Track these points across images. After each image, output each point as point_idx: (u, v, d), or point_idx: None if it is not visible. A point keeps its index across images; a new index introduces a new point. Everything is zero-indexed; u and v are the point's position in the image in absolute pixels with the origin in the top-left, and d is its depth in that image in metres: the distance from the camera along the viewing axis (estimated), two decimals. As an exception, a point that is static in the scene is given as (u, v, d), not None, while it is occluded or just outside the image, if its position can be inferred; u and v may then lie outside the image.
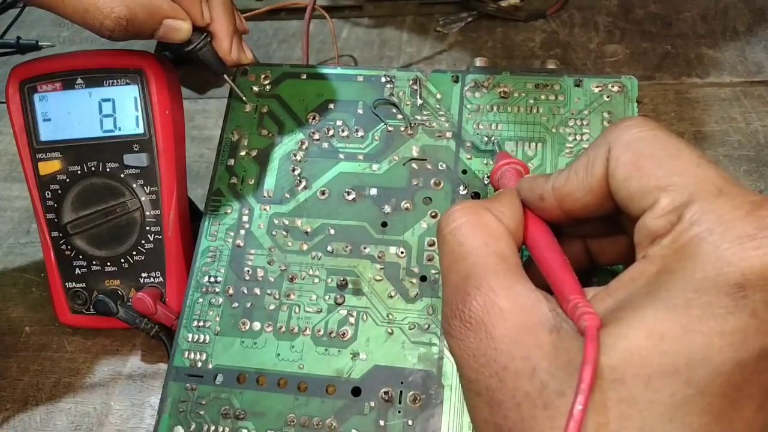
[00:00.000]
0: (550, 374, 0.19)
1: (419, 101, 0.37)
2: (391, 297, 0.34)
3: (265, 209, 0.36)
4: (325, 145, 0.37)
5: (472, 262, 0.22)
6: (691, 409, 0.17)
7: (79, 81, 0.37)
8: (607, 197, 0.22)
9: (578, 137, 0.35)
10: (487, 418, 0.20)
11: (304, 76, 0.39)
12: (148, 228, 0.37)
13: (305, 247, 0.35)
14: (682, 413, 0.17)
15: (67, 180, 0.37)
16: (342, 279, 0.34)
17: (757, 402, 0.17)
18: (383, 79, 0.38)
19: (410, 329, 0.33)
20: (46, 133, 0.37)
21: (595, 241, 0.27)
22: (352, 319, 0.34)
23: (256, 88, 0.39)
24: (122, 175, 0.37)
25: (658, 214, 0.19)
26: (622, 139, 0.21)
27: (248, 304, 0.35)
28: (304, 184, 0.36)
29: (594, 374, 0.17)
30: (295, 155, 0.37)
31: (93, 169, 0.37)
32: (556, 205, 0.24)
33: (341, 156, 0.37)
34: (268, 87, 0.39)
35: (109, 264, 0.37)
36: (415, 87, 0.37)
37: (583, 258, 0.27)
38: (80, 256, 0.38)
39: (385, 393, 0.32)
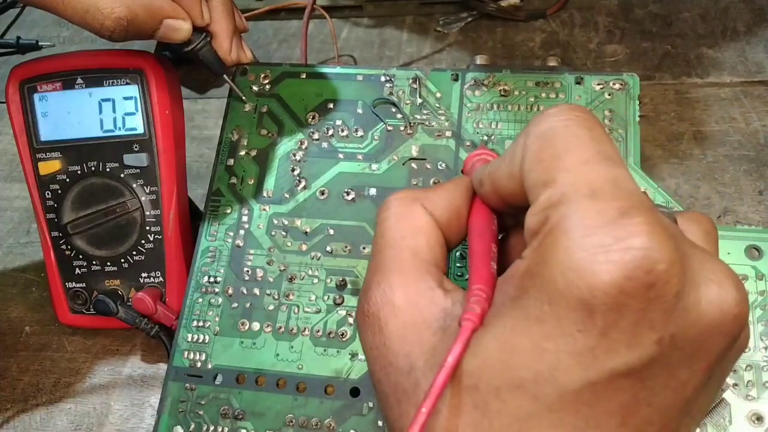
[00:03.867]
0: (422, 373, 0.19)
1: (419, 100, 0.37)
2: (390, 297, 0.34)
3: (264, 209, 0.36)
4: (325, 144, 0.37)
5: (385, 255, 0.22)
6: (539, 422, 0.17)
7: (79, 81, 0.37)
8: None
9: (578, 137, 0.35)
10: (382, 409, 0.21)
11: (304, 76, 0.39)
12: (148, 228, 0.37)
13: (304, 247, 0.35)
14: (530, 426, 0.17)
15: (67, 180, 0.37)
16: (341, 279, 0.34)
17: (617, 419, 0.17)
18: (383, 79, 0.38)
19: (410, 329, 0.33)
20: (46, 133, 0.37)
21: None
22: (351, 320, 0.34)
23: (255, 88, 0.39)
24: (122, 175, 0.37)
25: (534, 210, 0.18)
26: (537, 128, 0.20)
27: (247, 305, 0.35)
28: (303, 184, 0.36)
29: (447, 379, 0.18)
30: (294, 155, 0.37)
31: (93, 169, 0.37)
32: (492, 191, 0.23)
33: (341, 156, 0.37)
34: (267, 86, 0.39)
35: (109, 264, 0.37)
36: (415, 86, 0.37)
37: None
38: (80, 256, 0.38)
39: (385, 393, 0.32)
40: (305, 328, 0.34)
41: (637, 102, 0.35)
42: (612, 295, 0.16)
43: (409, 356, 0.20)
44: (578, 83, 0.36)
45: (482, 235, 0.23)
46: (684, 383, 0.17)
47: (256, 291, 0.35)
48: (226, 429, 0.32)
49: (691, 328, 0.17)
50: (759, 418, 0.30)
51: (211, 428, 0.33)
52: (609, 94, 0.36)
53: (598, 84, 0.36)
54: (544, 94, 0.36)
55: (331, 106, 0.38)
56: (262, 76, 0.39)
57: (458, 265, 0.34)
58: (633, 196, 0.17)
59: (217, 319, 0.35)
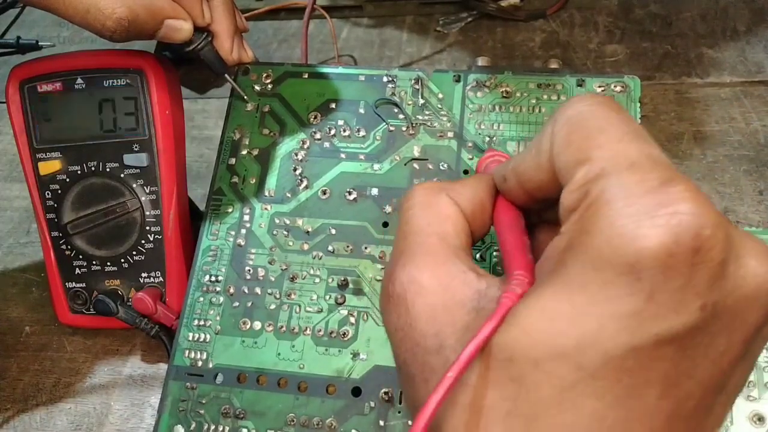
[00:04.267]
0: (454, 351, 0.19)
1: (421, 101, 0.37)
2: (392, 297, 0.34)
3: (266, 208, 0.36)
4: (327, 144, 0.37)
5: (411, 241, 0.22)
6: (582, 392, 0.16)
7: (79, 81, 0.37)
8: (555, 174, 0.21)
9: (579, 137, 0.35)
10: (406, 392, 0.21)
11: (306, 76, 0.39)
12: (148, 228, 0.37)
13: (306, 246, 0.35)
14: (572, 396, 0.16)
15: (67, 180, 0.37)
16: (343, 279, 0.34)
17: (658, 389, 0.16)
18: (385, 79, 0.38)
19: (411, 329, 0.33)
20: (46, 133, 0.37)
21: None
22: (352, 319, 0.34)
23: (257, 87, 0.39)
24: (122, 175, 0.37)
25: (571, 188, 0.18)
26: (564, 114, 0.20)
27: (249, 304, 0.35)
28: (305, 183, 0.36)
29: (478, 348, 0.17)
30: (296, 155, 0.37)
31: (93, 169, 0.37)
32: (517, 186, 0.23)
33: (342, 156, 0.37)
34: (269, 86, 0.39)
35: (109, 264, 0.37)
36: (417, 87, 0.37)
37: None
38: (80, 256, 0.37)
39: (386, 393, 0.32)
40: (307, 328, 0.34)
41: (638, 104, 0.35)
42: (660, 258, 0.16)
43: (438, 335, 0.19)
44: (580, 85, 0.36)
45: (513, 229, 0.23)
46: (722, 354, 0.17)
47: (258, 290, 0.35)
48: (227, 428, 0.32)
49: (729, 296, 0.17)
50: (760, 419, 0.30)
51: (212, 427, 0.33)
52: (610, 96, 0.36)
53: (599, 86, 0.36)
54: (545, 96, 0.36)
55: (333, 106, 0.38)
56: (264, 75, 0.39)
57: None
58: (670, 168, 0.17)
59: (218, 318, 0.35)
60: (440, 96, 0.37)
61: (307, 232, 0.35)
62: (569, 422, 0.16)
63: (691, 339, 0.16)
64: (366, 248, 0.35)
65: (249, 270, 0.35)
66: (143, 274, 0.37)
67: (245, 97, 0.38)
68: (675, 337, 0.16)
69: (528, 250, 0.22)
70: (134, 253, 0.37)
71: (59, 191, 0.37)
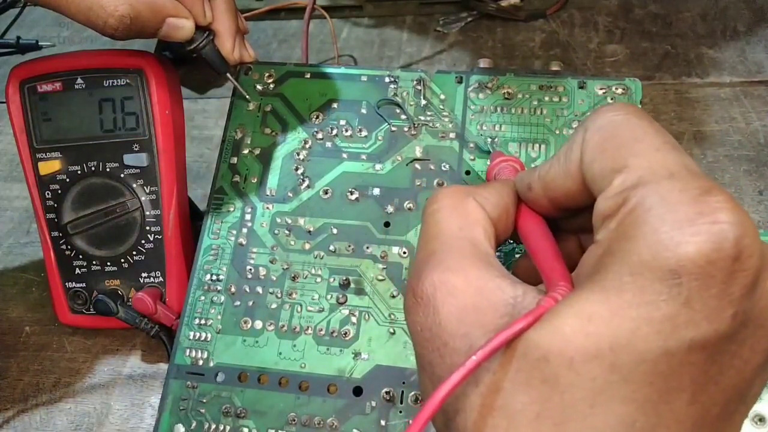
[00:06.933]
0: None
1: (423, 101, 0.37)
2: (393, 297, 0.34)
3: (267, 208, 0.36)
4: (329, 144, 0.37)
5: (441, 243, 0.22)
6: (614, 395, 0.16)
7: (79, 81, 0.37)
8: (585, 182, 0.21)
9: (580, 137, 0.35)
10: (428, 393, 0.20)
11: (308, 75, 0.39)
12: (148, 228, 0.37)
13: (308, 246, 0.35)
14: (604, 399, 0.16)
15: (67, 180, 0.37)
16: (344, 278, 0.34)
17: (688, 395, 0.17)
18: (387, 80, 0.38)
19: (413, 329, 0.33)
20: (46, 133, 0.37)
21: (589, 236, 0.26)
22: (354, 319, 0.34)
23: (259, 87, 0.39)
24: (122, 175, 0.37)
25: (608, 195, 0.19)
26: (596, 123, 0.20)
27: (250, 303, 0.35)
28: (307, 183, 0.36)
29: (508, 339, 0.17)
30: (298, 154, 0.37)
31: (93, 169, 0.37)
32: (542, 194, 0.23)
33: (344, 155, 0.37)
34: (271, 86, 0.39)
35: (109, 264, 0.37)
36: (419, 87, 0.37)
37: (579, 254, 0.27)
38: (80, 256, 0.37)
39: (387, 393, 0.32)
40: (308, 327, 0.34)
41: (640, 106, 0.35)
42: (700, 264, 0.16)
43: (468, 336, 0.19)
44: (581, 87, 0.36)
45: (546, 237, 0.23)
46: (746, 362, 0.17)
47: (259, 289, 0.35)
48: (227, 427, 0.32)
49: (756, 306, 0.17)
50: (761, 419, 0.30)
51: (213, 426, 0.33)
52: (611, 99, 0.36)
53: (601, 89, 0.36)
54: (547, 98, 0.36)
55: (335, 105, 0.38)
56: (267, 75, 0.39)
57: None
58: (707, 178, 0.17)
59: (219, 317, 0.35)
60: (442, 97, 0.37)
61: (309, 231, 0.35)
62: (599, 426, 0.16)
63: (720, 346, 0.17)
64: (367, 248, 0.35)
65: (250, 269, 0.35)
66: (143, 274, 0.37)
67: (247, 96, 0.38)
68: (706, 344, 0.16)
69: (563, 260, 0.22)
70: (134, 253, 0.37)
71: (59, 191, 0.37)
